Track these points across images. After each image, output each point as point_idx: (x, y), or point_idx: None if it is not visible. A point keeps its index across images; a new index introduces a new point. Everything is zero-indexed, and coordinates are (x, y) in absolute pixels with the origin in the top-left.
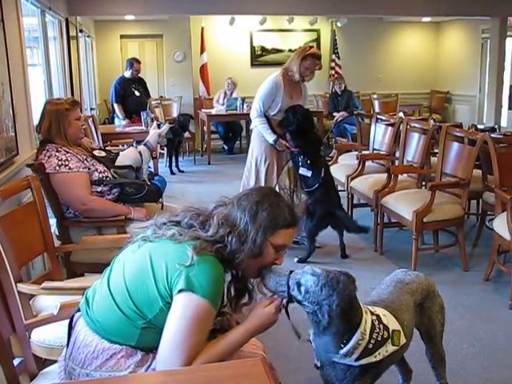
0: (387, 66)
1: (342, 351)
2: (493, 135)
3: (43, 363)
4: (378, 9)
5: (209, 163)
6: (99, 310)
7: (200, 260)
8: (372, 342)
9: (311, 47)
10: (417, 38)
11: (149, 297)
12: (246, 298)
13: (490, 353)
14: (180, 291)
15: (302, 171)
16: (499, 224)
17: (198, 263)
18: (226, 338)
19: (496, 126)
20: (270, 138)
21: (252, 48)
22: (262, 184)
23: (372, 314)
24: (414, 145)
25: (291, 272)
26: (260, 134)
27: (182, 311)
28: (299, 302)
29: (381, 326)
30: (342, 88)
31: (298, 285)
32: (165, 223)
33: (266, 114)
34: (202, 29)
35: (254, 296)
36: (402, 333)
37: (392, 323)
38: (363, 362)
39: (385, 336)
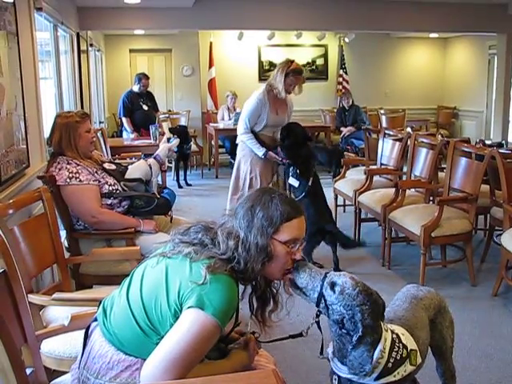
0: (394, 82)
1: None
2: (500, 150)
3: (52, 374)
4: (385, 25)
5: (216, 177)
6: (117, 321)
7: (213, 279)
8: (391, 360)
9: (292, 62)
10: (424, 54)
11: (161, 313)
12: (271, 304)
13: (499, 368)
14: (189, 307)
15: (291, 181)
16: (507, 239)
17: (210, 282)
18: (213, 366)
19: (503, 142)
20: (260, 152)
21: (260, 63)
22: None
23: (392, 332)
24: (422, 160)
25: (326, 273)
26: (247, 149)
27: (188, 326)
28: (327, 306)
29: (400, 344)
30: (350, 103)
31: (333, 284)
32: (182, 241)
33: (253, 129)
34: (211, 43)
35: (278, 299)
36: (418, 352)
37: (410, 342)
38: (382, 381)
39: (404, 355)
